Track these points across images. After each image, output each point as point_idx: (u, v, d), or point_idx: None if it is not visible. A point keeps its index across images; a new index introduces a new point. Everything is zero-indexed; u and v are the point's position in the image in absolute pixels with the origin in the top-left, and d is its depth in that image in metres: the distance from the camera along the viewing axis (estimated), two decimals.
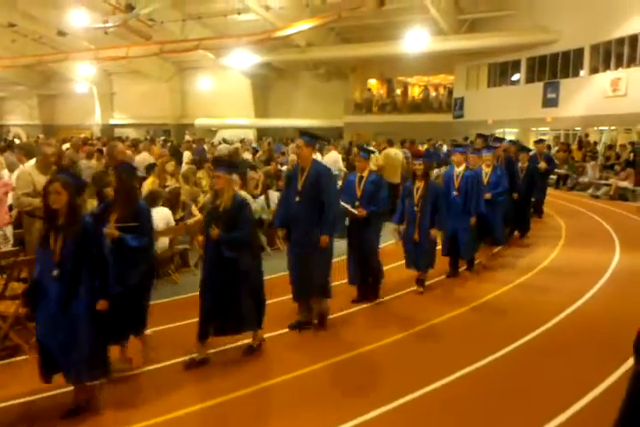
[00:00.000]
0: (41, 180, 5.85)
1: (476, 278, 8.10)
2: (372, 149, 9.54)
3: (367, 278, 6.77)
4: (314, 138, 5.98)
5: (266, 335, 5.43)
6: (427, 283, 7.47)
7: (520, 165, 10.80)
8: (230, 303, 4.93)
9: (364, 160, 6.81)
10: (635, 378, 1.29)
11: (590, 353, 5.34)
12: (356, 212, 6.50)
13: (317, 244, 5.63)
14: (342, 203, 6.51)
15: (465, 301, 6.93)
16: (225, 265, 4.92)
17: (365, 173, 6.74)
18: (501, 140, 11.69)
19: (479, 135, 11.60)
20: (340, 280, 6.70)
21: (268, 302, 5.30)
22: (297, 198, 5.74)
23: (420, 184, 7.17)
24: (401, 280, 7.51)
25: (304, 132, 5.98)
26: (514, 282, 7.82)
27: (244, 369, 4.91)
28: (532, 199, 11.39)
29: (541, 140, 13.89)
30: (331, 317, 6.11)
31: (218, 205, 5.02)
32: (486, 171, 8.71)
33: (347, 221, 6.85)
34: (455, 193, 7.80)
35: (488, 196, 8.38)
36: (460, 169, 7.92)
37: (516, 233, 10.72)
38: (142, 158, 12.08)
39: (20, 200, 5.83)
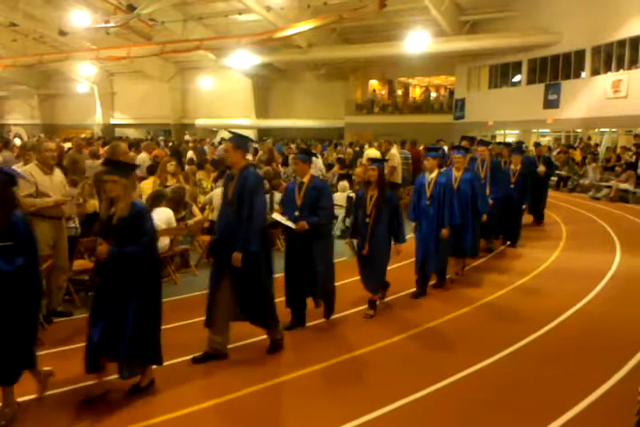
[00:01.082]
0: (43, 179, 5.87)
1: (474, 281, 7.99)
2: (314, 151, 8.79)
3: (315, 300, 5.92)
4: (242, 138, 5.20)
5: (263, 337, 5.42)
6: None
7: (512, 167, 10.33)
8: (118, 335, 4.18)
9: (303, 163, 5.87)
10: None
11: (589, 357, 5.33)
12: (292, 225, 5.64)
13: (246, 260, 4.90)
14: (275, 215, 5.89)
15: (463, 303, 6.90)
16: (118, 288, 4.22)
17: (306, 179, 5.81)
18: (487, 143, 10.80)
19: (464, 137, 10.67)
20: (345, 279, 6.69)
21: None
22: (228, 208, 5.03)
23: (373, 192, 6.35)
24: (400, 281, 7.48)
25: (232, 134, 5.24)
26: (513, 284, 7.78)
27: (243, 370, 4.91)
28: (524, 206, 10.63)
29: (538, 144, 13.92)
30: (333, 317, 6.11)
31: (112, 215, 4.30)
32: (456, 175, 7.87)
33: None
34: (427, 202, 7.03)
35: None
36: (432, 175, 7.10)
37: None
38: (141, 159, 12.12)
39: (22, 201, 5.80)
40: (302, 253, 5.74)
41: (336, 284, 6.13)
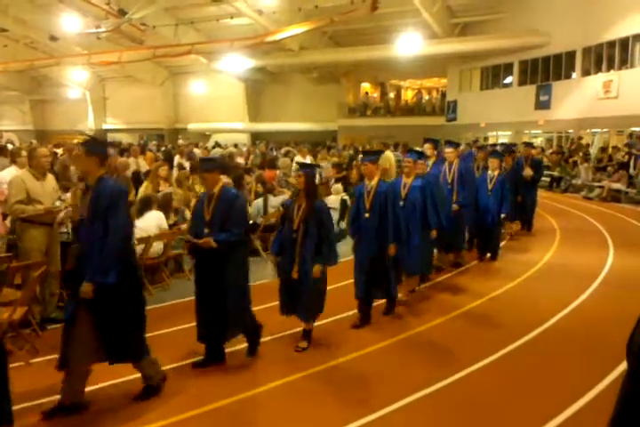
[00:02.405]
0: (34, 185, 5.83)
1: (468, 283, 7.99)
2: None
3: (222, 334, 5.00)
4: (97, 143, 4.60)
5: (274, 336, 5.39)
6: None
7: (490, 173, 9.33)
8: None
9: (209, 173, 4.99)
10: (627, 379, 1.27)
11: (583, 356, 5.34)
12: (197, 241, 4.87)
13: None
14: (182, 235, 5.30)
15: (456, 306, 6.89)
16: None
17: (216, 190, 4.97)
18: (456, 144, 9.51)
19: (427, 140, 8.91)
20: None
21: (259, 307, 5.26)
22: (83, 227, 4.30)
23: (302, 202, 5.45)
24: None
25: (87, 139, 4.61)
26: (506, 285, 7.79)
27: (230, 378, 4.88)
28: (504, 215, 9.30)
29: (529, 144, 13.00)
30: (326, 321, 6.09)
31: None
32: (405, 181, 6.87)
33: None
34: (366, 214, 6.09)
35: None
36: (372, 183, 6.12)
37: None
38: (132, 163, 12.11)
39: (14, 208, 5.77)
40: (212, 279, 4.90)
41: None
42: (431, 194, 6.89)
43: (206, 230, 4.87)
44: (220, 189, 4.97)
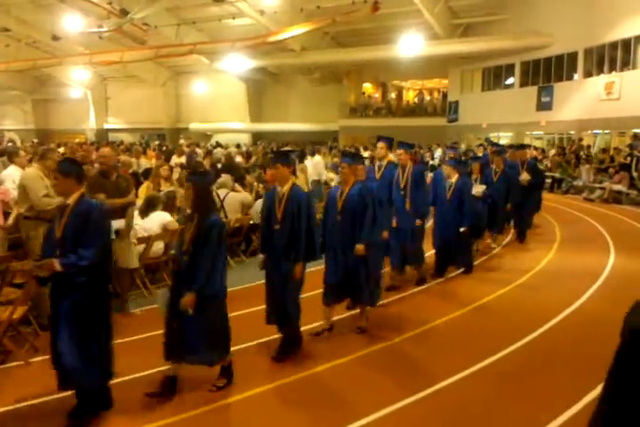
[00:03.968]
0: (49, 183, 5.98)
1: (463, 286, 7.88)
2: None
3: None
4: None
5: (245, 345, 5.34)
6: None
7: (450, 181, 8.14)
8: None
9: (64, 178, 4.17)
10: (619, 356, 1.21)
11: (581, 360, 5.31)
12: (36, 264, 4.06)
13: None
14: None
15: (452, 308, 6.84)
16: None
17: (71, 201, 4.15)
18: (409, 145, 8.04)
19: (380, 138, 7.80)
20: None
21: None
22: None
23: (193, 218, 4.56)
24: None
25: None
26: (507, 287, 7.75)
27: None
28: (463, 229, 7.98)
29: (522, 146, 12.29)
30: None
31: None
32: (343, 189, 5.90)
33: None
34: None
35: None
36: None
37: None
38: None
39: (42, 201, 5.93)
40: (54, 315, 4.04)
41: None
42: (374, 201, 5.81)
43: (57, 252, 3.99)
44: (75, 200, 4.09)
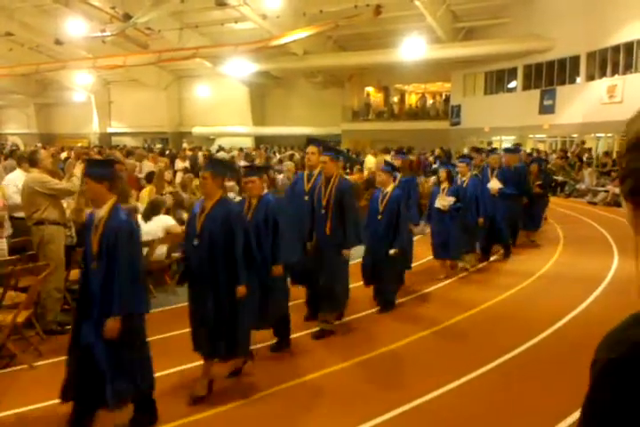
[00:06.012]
0: None
1: (465, 291, 7.91)
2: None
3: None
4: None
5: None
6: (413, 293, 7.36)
7: (382, 189, 6.82)
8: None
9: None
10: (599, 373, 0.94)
11: (584, 366, 5.30)
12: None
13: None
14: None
15: (455, 311, 6.86)
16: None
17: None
18: (336, 151, 6.64)
19: (310, 141, 6.60)
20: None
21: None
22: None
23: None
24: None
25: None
26: (509, 290, 7.74)
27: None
28: (392, 251, 6.54)
29: (510, 150, 11.60)
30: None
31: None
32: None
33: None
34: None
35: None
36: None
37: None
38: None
39: (65, 186, 6.13)
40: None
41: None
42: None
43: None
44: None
